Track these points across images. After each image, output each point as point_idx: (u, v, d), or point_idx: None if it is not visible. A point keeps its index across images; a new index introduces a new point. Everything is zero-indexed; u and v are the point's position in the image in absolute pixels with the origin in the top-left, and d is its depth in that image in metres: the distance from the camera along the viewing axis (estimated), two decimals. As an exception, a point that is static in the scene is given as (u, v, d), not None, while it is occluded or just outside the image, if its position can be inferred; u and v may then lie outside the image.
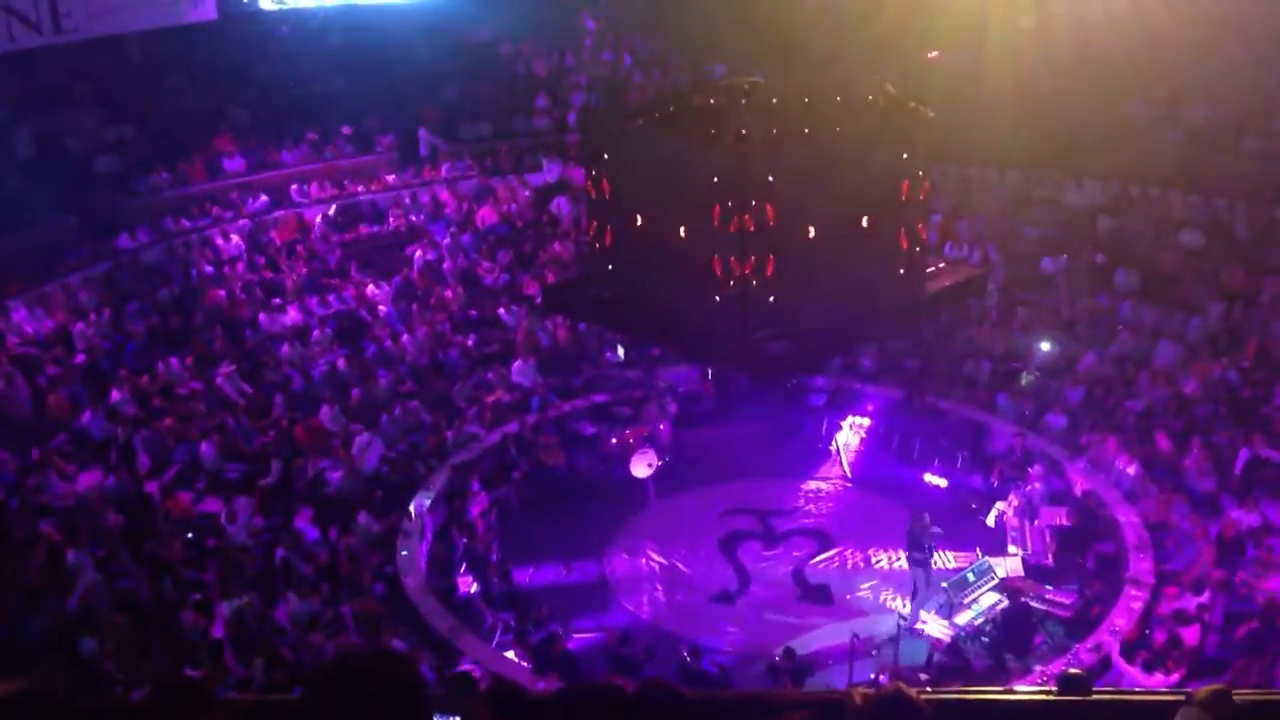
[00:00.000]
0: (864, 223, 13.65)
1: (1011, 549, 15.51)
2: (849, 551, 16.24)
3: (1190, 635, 13.01)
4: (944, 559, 15.64)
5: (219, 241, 22.04)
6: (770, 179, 12.70)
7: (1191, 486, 15.80)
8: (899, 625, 13.68)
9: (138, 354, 18.69)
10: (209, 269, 21.20)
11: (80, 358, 18.24)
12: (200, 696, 3.17)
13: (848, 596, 15.30)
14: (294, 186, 23.83)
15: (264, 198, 23.30)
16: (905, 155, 13.87)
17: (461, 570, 15.30)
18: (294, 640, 12.94)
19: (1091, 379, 18.49)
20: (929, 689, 9.13)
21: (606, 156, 14.47)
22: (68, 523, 14.31)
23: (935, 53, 17.24)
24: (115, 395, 17.16)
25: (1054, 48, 22.33)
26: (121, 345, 18.89)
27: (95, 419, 16.65)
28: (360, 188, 24.40)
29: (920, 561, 14.80)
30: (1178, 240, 21.05)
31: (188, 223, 22.11)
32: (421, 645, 13.44)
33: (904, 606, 14.43)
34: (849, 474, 18.16)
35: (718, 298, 13.28)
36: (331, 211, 23.47)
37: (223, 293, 20.52)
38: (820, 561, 16.16)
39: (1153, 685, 11.86)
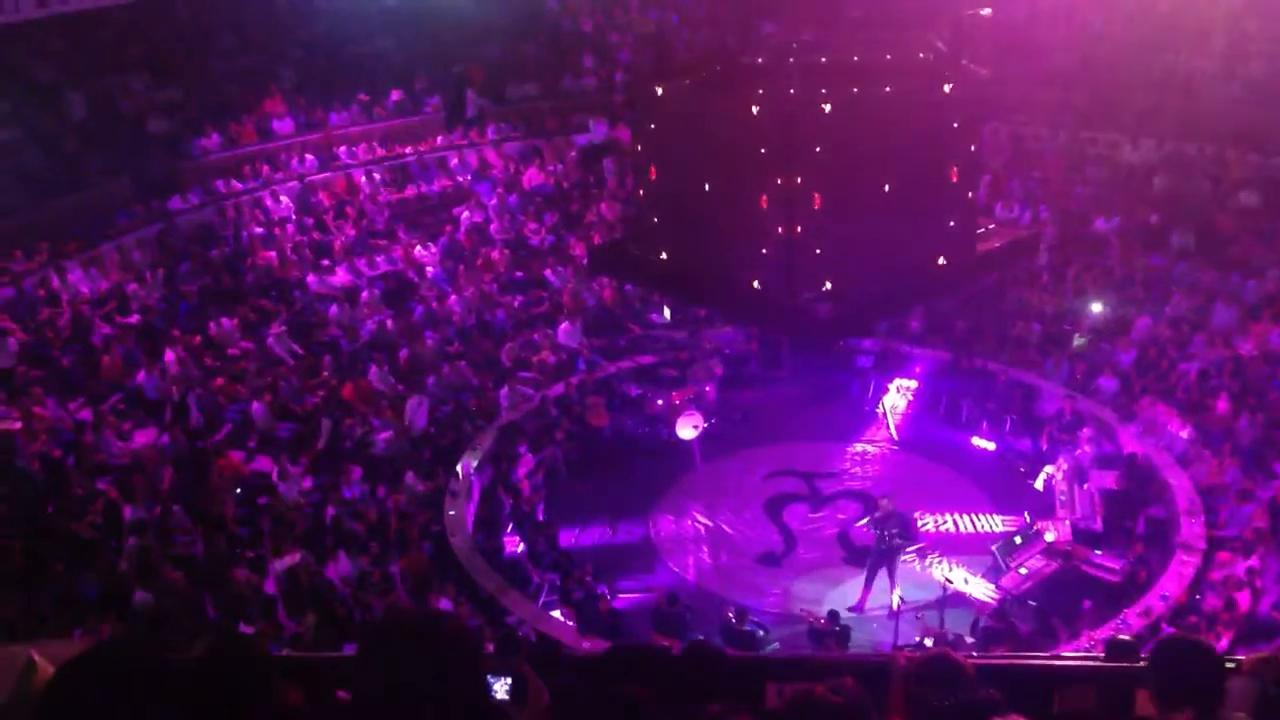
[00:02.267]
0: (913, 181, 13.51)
1: (1060, 513, 15.38)
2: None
3: (1240, 600, 12.87)
4: (934, 524, 15.47)
5: (269, 203, 22.25)
6: (817, 149, 12.58)
7: (1244, 450, 15.57)
8: (945, 589, 13.63)
9: (190, 314, 18.96)
10: (259, 230, 21.41)
11: (135, 318, 18.52)
12: (259, 656, 3.21)
13: (894, 559, 15.26)
14: (342, 148, 23.96)
15: (312, 159, 23.45)
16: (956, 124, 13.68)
17: (508, 530, 15.44)
18: (347, 598, 13.14)
19: (1145, 341, 18.22)
20: (974, 653, 9.12)
21: (653, 120, 14.42)
22: (124, 480, 14.60)
23: (988, 9, 16.92)
24: (169, 355, 17.42)
25: (1106, 2, 21.91)
26: (175, 305, 19.16)
27: (150, 378, 16.91)
28: (408, 149, 24.48)
29: (881, 552, 14.02)
30: (1235, 199, 20.62)
31: (238, 184, 22.33)
32: (468, 604, 13.59)
33: (949, 570, 14.35)
34: (896, 436, 18.06)
35: (764, 250, 13.19)
36: (378, 177, 23.57)
37: (273, 254, 20.73)
38: (866, 524, 16.10)
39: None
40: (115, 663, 2.77)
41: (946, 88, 13.66)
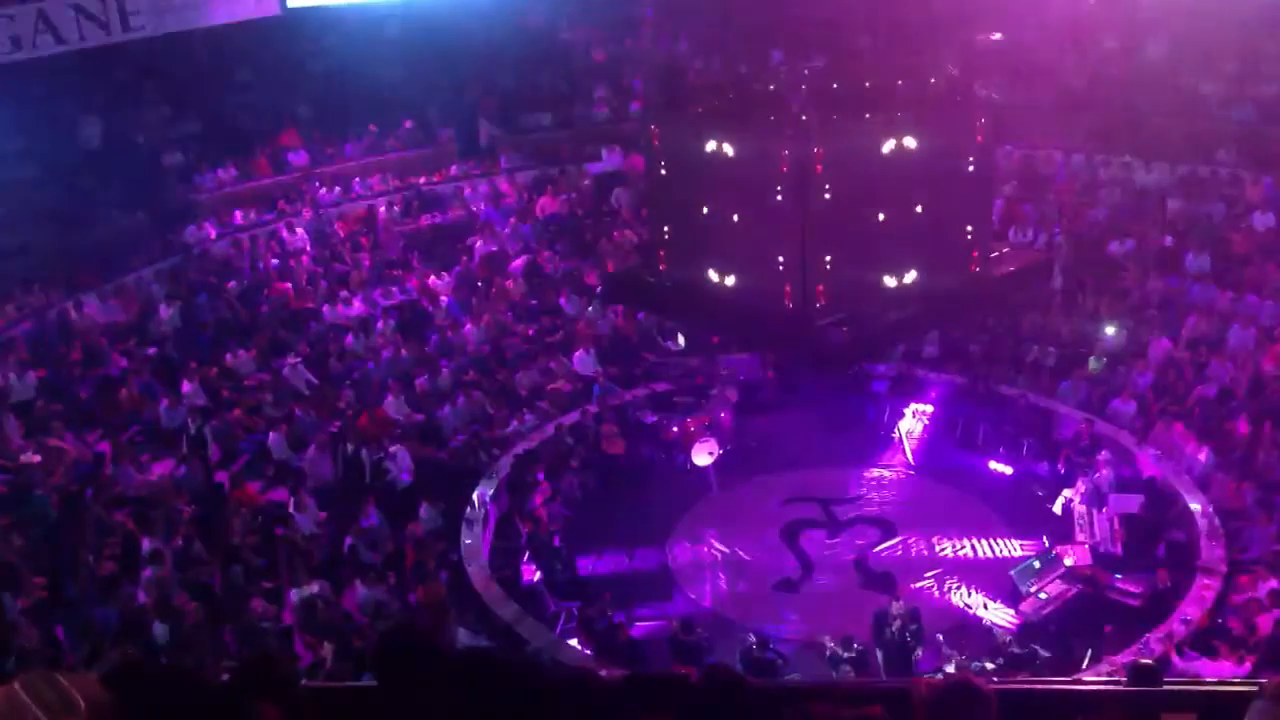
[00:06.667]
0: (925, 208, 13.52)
1: (1079, 537, 15.29)
2: (912, 540, 16.09)
3: (1263, 623, 12.76)
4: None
5: (284, 234, 22.38)
6: (828, 187, 12.60)
7: (1263, 472, 15.47)
8: (964, 615, 13.54)
9: (207, 346, 19.04)
10: (275, 262, 21.52)
11: (152, 349, 18.61)
12: (284, 677, 3.21)
13: (911, 585, 15.17)
14: (356, 179, 24.13)
15: (324, 190, 23.60)
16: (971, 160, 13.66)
17: (525, 559, 15.42)
18: (364, 627, 13.13)
19: (1162, 364, 18.14)
20: (995, 679, 9.04)
21: (664, 152, 14.49)
22: (142, 512, 14.63)
23: (998, 34, 16.95)
24: (186, 386, 17.48)
25: (1116, 24, 21.95)
26: (192, 337, 19.24)
27: (167, 410, 16.97)
28: (422, 179, 24.62)
29: (887, 646, 13.43)
30: (1249, 222, 20.58)
31: (254, 215, 22.47)
32: (486, 633, 13.56)
33: (968, 595, 14.26)
34: (912, 461, 17.99)
35: (778, 275, 13.21)
36: (396, 209, 23.71)
37: (288, 285, 20.83)
38: (883, 550, 16.04)
39: (1223, 675, 11.65)
40: (143, 678, 2.79)
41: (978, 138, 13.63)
